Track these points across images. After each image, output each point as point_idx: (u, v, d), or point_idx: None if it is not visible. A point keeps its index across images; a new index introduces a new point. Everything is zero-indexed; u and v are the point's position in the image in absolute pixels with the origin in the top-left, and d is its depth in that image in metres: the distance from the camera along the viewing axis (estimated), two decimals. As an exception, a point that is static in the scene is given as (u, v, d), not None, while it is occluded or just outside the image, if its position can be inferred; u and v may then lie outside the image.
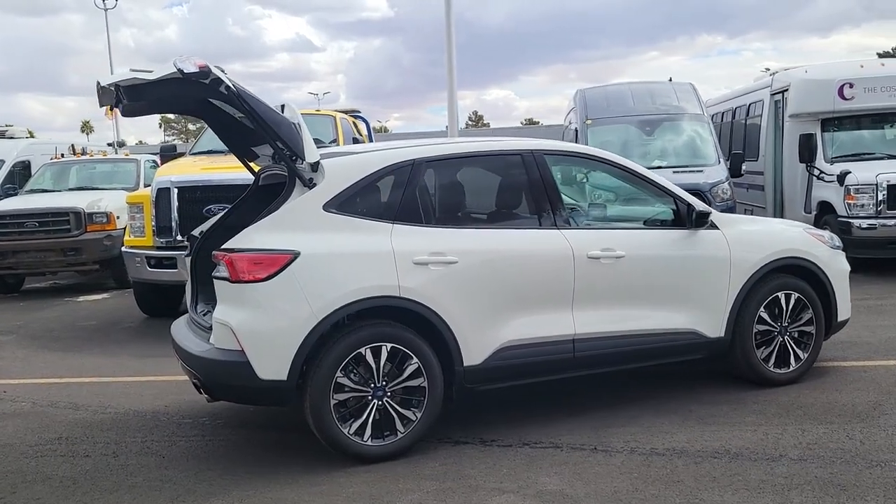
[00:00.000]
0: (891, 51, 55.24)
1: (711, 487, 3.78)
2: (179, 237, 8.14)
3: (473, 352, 4.44)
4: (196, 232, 5.39)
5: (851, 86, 11.11)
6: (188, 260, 5.33)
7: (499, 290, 4.50)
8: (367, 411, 4.23)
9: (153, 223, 8.28)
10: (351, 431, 4.21)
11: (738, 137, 14.45)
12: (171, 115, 67.27)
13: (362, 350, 4.20)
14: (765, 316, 5.26)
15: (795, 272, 5.36)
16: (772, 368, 5.32)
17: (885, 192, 9.87)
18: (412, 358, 4.30)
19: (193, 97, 4.81)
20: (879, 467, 3.94)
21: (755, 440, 4.39)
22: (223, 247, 4.22)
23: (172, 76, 4.06)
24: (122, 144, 21.52)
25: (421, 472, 4.13)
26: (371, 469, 4.19)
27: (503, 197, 4.86)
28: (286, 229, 4.23)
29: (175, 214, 8.15)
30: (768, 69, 12.63)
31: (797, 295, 5.34)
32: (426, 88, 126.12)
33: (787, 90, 12.03)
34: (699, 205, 5.05)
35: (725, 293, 5.11)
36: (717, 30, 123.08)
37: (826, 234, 5.75)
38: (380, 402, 4.25)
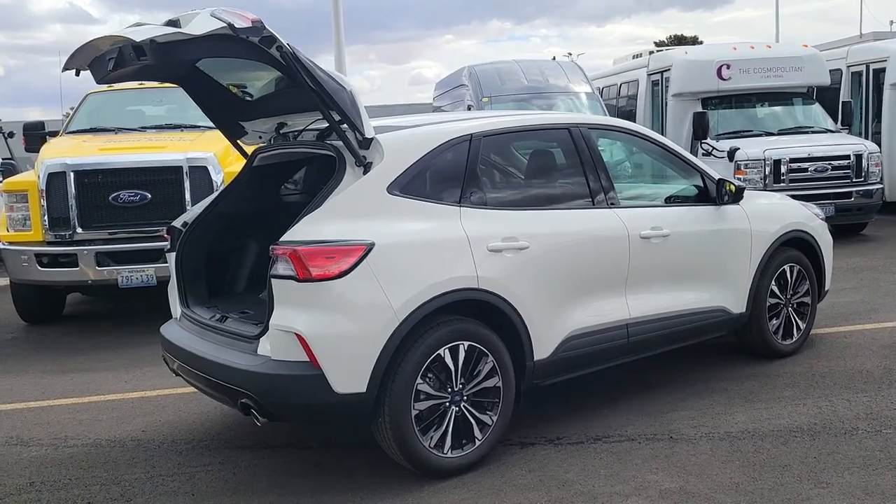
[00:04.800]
0: (666, 40, 60.13)
1: (824, 469, 3.70)
2: (80, 230, 6.99)
3: (543, 345, 4.07)
4: (178, 223, 4.55)
5: (728, 67, 11.78)
6: (172, 256, 4.47)
7: (566, 275, 4.16)
8: (447, 419, 3.74)
9: (44, 214, 7.02)
10: (432, 444, 3.70)
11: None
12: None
13: (441, 351, 3.69)
14: (775, 289, 5.32)
15: (796, 245, 5.46)
16: (780, 340, 5.40)
17: (771, 167, 10.54)
18: (487, 356, 3.85)
19: (187, 61, 4.03)
20: (953, 431, 4.06)
21: (815, 414, 4.39)
22: (283, 239, 3.52)
23: (220, 31, 3.30)
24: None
25: (515, 482, 3.72)
26: (458, 484, 3.71)
27: (558, 174, 4.49)
28: (349, 217, 3.61)
29: (73, 203, 6.97)
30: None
31: (798, 267, 5.45)
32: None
33: (666, 70, 12.53)
34: (734, 180, 4.98)
35: (748, 268, 5.10)
36: (507, 16, 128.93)
37: (815, 206, 5.92)
38: (457, 409, 3.78)
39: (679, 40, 56.53)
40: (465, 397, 3.79)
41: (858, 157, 10.74)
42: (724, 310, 5.00)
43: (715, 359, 5.47)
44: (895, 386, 4.79)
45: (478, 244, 3.81)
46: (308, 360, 3.44)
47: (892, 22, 33.99)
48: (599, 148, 4.62)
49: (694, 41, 52.46)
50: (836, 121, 11.79)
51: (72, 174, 6.96)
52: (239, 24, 3.28)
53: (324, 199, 3.65)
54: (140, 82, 8.38)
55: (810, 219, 5.58)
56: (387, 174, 3.73)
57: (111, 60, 3.66)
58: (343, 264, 3.44)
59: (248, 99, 4.47)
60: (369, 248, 3.50)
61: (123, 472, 4.05)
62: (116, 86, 9.49)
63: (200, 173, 7.20)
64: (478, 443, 3.84)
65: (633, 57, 15.52)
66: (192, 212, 4.59)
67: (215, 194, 4.63)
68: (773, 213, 5.34)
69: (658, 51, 13.55)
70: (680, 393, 4.85)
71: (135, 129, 8.28)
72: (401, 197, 3.74)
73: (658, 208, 4.82)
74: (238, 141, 4.71)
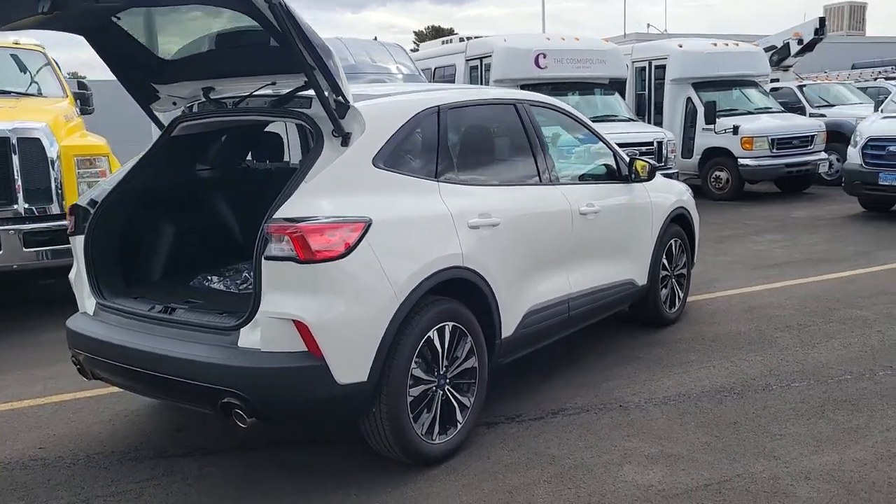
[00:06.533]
0: (424, 30, 62.05)
1: (769, 423, 4.04)
2: None
3: (509, 322, 4.04)
4: (83, 201, 3.88)
5: (545, 56, 12.39)
6: (79, 239, 3.81)
7: (527, 252, 4.14)
8: (436, 404, 3.58)
9: None
10: (423, 431, 3.52)
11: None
12: None
13: (431, 333, 3.51)
14: (665, 262, 5.71)
15: (677, 219, 5.89)
16: (668, 310, 5.82)
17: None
18: (467, 336, 3.74)
19: (104, 12, 3.47)
20: (846, 381, 4.61)
21: (728, 375, 4.78)
22: (279, 216, 3.11)
23: None
24: None
25: (504, 462, 3.65)
26: (449, 470, 3.57)
27: (510, 150, 4.43)
28: (338, 192, 3.29)
29: None
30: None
31: (679, 241, 5.90)
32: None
33: (486, 57, 12.89)
34: (649, 160, 5.24)
35: (650, 242, 5.43)
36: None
37: (683, 183, 6.41)
38: (442, 392, 3.63)
39: (437, 31, 58.63)
40: (448, 380, 3.65)
41: (660, 143, 11.86)
42: (633, 282, 5.28)
43: (609, 330, 5.74)
44: (776, 345, 5.35)
45: (460, 220, 3.67)
46: (306, 349, 3.10)
47: (648, 25, 37.85)
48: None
49: (450, 32, 54.82)
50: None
51: None
52: None
53: (306, 172, 3.29)
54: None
55: (683, 193, 6.05)
56: (370, 146, 3.46)
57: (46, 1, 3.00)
58: (346, 243, 3.13)
59: (168, 59, 3.91)
60: (368, 224, 3.22)
61: (46, 498, 3.40)
62: None
63: (31, 146, 6.20)
64: (459, 426, 3.73)
65: (443, 42, 15.80)
66: (101, 189, 3.93)
67: (127, 168, 3.99)
68: (664, 189, 5.72)
69: (471, 38, 13.90)
70: (600, 364, 5.04)
71: (-74, 95, 6.93)
72: (385, 170, 3.49)
73: (586, 185, 4.95)
74: (150, 107, 4.11)
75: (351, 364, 3.18)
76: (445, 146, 3.85)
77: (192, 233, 4.29)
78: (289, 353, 3.11)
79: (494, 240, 3.87)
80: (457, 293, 3.69)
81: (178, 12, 3.53)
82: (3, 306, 7.09)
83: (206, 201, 4.41)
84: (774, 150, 13.45)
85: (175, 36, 3.79)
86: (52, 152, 6.26)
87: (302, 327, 3.07)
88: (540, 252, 4.26)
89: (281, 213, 3.13)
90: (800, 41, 18.45)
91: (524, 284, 4.13)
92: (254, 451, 3.86)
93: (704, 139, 14.04)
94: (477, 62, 13.29)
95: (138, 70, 3.95)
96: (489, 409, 4.24)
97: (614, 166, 5.20)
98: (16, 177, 6.11)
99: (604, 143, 5.17)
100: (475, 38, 13.81)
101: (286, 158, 5.25)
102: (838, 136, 14.56)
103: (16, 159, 6.10)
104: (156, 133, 9.05)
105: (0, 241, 6.02)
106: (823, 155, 14.04)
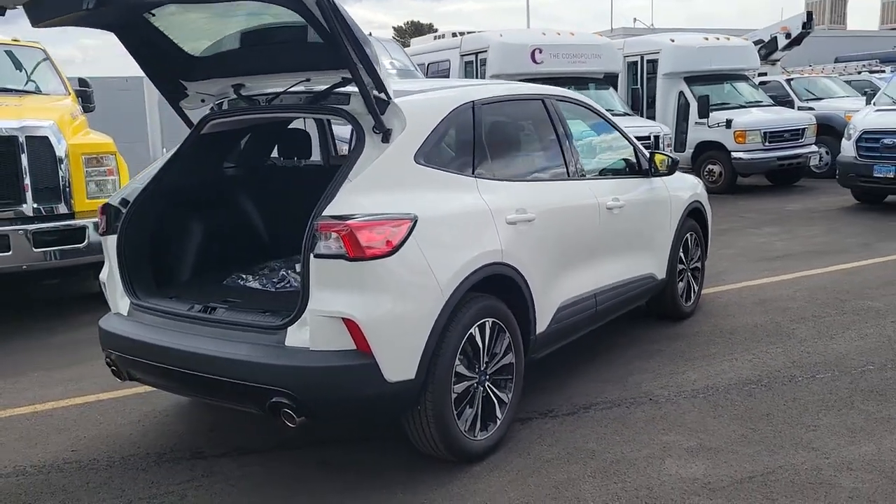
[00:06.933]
0: (404, 25, 61.75)
1: (801, 414, 4.08)
2: None
3: (543, 317, 4.04)
4: (115, 201, 3.83)
5: (541, 51, 12.42)
6: (112, 239, 3.76)
7: (559, 247, 4.15)
8: (477, 400, 3.58)
9: None
10: (466, 428, 3.52)
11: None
12: None
13: (472, 330, 3.51)
14: (681, 255, 5.74)
15: (692, 214, 5.92)
16: (684, 303, 5.85)
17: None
18: (505, 333, 3.74)
19: (141, 8, 3.43)
20: (870, 371, 4.66)
21: (752, 367, 4.81)
22: (328, 214, 3.08)
23: None
24: None
25: (545, 458, 3.65)
26: (491, 467, 3.57)
27: (540, 145, 4.43)
28: (382, 189, 3.27)
29: None
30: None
31: (695, 235, 5.93)
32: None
33: (482, 52, 12.88)
34: (671, 154, 5.26)
35: (669, 236, 5.45)
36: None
37: (696, 177, 6.44)
38: (483, 389, 3.63)
39: (417, 27, 58.37)
40: (487, 376, 3.65)
41: (657, 137, 11.91)
42: (654, 276, 5.30)
43: (628, 324, 5.76)
44: (794, 337, 5.40)
45: (498, 216, 3.66)
46: (356, 348, 3.08)
47: (635, 20, 38.04)
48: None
49: (430, 28, 54.61)
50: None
51: None
52: None
53: (350, 169, 3.26)
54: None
55: (697, 187, 6.07)
56: (411, 142, 3.44)
57: (92, -3, 2.95)
58: (393, 240, 3.12)
59: (198, 56, 3.86)
60: (414, 221, 3.20)
61: (89, 501, 3.35)
62: None
63: (40, 145, 6.10)
64: (498, 422, 3.73)
65: (435, 38, 15.77)
66: (132, 187, 3.88)
67: (158, 166, 3.94)
68: (681, 183, 5.74)
69: (464, 33, 13.88)
70: (623, 358, 5.05)
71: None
72: (425, 167, 3.47)
73: (610, 179, 4.96)
74: (179, 104, 4.06)
75: (400, 362, 3.16)
76: (481, 142, 3.84)
77: (221, 231, 4.25)
78: (339, 351, 3.08)
79: (530, 235, 3.86)
80: (496, 289, 3.68)
81: (211, 9, 3.48)
82: (4, 307, 7.00)
83: (235, 199, 4.38)
84: (767, 144, 13.55)
85: (206, 32, 3.74)
86: (60, 151, 6.17)
87: (352, 325, 3.05)
88: (570, 247, 4.27)
89: (329, 210, 3.10)
90: (787, 35, 18.63)
91: (556, 280, 4.13)
92: (296, 450, 3.83)
93: (697, 133, 14.12)
94: (472, 57, 13.28)
95: (168, 67, 3.90)
96: (521, 405, 4.23)
97: (635, 161, 5.21)
98: (24, 176, 6.01)
99: (625, 137, 5.18)
100: (468, 33, 13.78)
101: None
102: (828, 130, 14.70)
103: (24, 158, 6.01)
104: (154, 133, 9.06)
105: (9, 242, 5.93)
106: (814, 148, 14.16)
